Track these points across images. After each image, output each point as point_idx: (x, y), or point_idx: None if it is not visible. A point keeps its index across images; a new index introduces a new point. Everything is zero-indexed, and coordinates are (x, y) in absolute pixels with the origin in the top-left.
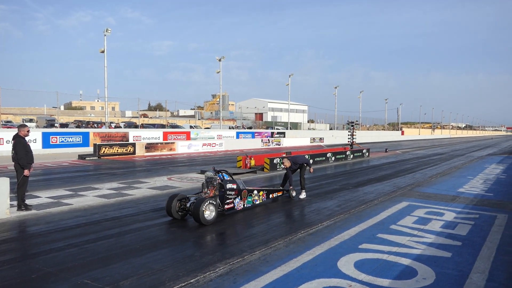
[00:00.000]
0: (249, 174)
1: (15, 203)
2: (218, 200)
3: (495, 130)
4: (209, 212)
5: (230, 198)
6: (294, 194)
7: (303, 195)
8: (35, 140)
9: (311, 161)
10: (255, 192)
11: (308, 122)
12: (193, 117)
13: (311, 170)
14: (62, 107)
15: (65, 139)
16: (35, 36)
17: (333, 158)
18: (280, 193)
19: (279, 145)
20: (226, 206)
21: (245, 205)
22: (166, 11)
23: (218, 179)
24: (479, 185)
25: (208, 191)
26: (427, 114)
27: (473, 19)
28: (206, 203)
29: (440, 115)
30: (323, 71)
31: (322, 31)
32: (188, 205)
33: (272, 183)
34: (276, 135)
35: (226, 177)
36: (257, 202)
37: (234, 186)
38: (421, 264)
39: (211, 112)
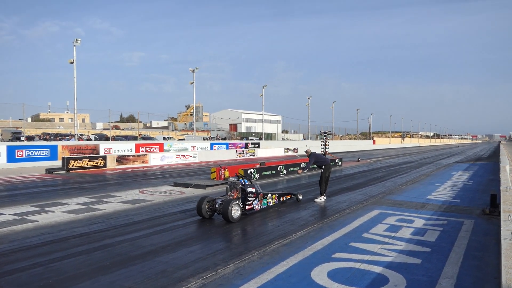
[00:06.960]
0: (223, 185)
1: None
2: (240, 202)
3: (461, 138)
4: (235, 211)
5: (250, 200)
6: (300, 197)
7: (317, 199)
8: None
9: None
10: (269, 195)
11: (282, 132)
12: (166, 129)
13: (299, 171)
14: (29, 119)
15: (32, 153)
16: None
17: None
18: (289, 197)
19: (254, 155)
20: (247, 207)
21: (261, 207)
22: (135, 22)
23: (240, 184)
24: (447, 192)
25: (232, 194)
26: (396, 124)
27: (437, 32)
28: (233, 203)
29: (409, 125)
30: (295, 82)
31: (292, 43)
32: (216, 205)
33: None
34: (250, 146)
35: (246, 182)
36: (271, 204)
37: (254, 190)
38: (392, 271)
39: (185, 123)
